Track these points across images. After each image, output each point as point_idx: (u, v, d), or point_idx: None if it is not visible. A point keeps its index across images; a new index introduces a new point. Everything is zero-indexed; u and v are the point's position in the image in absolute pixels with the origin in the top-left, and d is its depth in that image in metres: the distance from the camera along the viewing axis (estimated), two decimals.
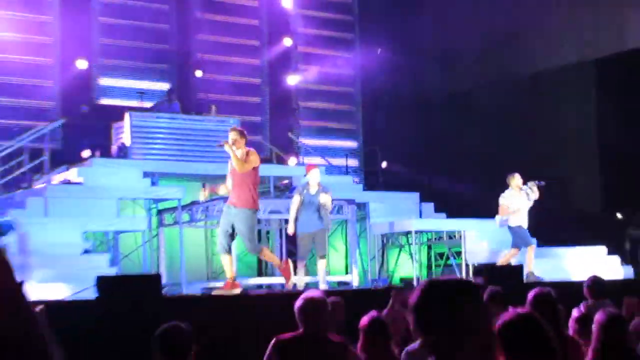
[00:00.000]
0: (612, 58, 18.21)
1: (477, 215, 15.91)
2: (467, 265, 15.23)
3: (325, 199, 12.05)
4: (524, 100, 19.43)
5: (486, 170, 18.27)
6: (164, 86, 18.83)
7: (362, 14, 23.27)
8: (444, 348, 2.36)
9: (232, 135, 10.82)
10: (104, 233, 14.06)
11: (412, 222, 15.58)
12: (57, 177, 14.82)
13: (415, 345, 5.97)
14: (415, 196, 17.23)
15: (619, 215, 18.56)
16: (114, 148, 15.79)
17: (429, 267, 17.10)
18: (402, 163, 20.74)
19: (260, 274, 15.98)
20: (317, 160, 19.18)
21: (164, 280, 10.20)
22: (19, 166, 15.88)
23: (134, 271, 13.21)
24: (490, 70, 20.05)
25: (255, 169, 10.80)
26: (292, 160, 18.87)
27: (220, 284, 11.49)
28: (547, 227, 14.43)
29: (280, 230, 15.54)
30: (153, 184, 14.94)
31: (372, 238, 16.22)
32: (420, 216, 16.74)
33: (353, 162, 21.26)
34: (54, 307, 6.09)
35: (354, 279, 13.95)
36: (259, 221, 15.77)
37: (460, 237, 15.61)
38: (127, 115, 15.69)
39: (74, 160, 15.54)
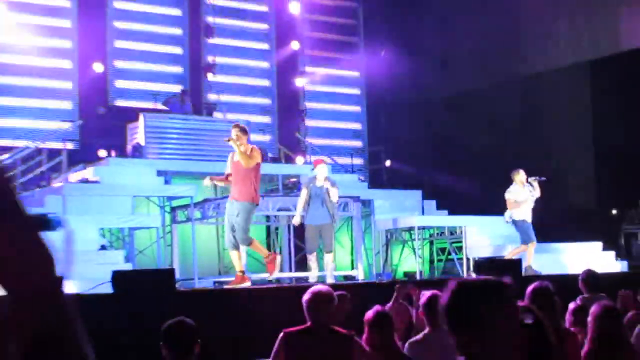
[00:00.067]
0: (607, 60, 18.19)
1: (477, 212, 15.92)
2: (467, 260, 15.22)
3: (332, 192, 12.04)
4: (522, 100, 19.43)
5: (486, 169, 18.28)
6: (177, 88, 18.83)
7: (366, 18, 23.25)
8: (475, 348, 2.32)
9: (235, 132, 10.86)
10: (119, 230, 14.08)
11: (415, 218, 15.60)
12: (75, 176, 14.83)
13: (418, 337, 5.99)
14: (418, 194, 17.24)
15: (613, 212, 18.55)
16: (129, 148, 15.80)
17: (431, 261, 17.10)
18: (405, 162, 20.72)
19: None
20: (324, 159, 19.15)
21: (177, 275, 10.18)
22: (38, 165, 15.92)
23: (148, 266, 13.21)
24: (489, 71, 20.02)
25: (258, 164, 10.84)
26: (299, 159, 18.88)
27: (230, 279, 11.49)
28: (545, 224, 14.40)
29: (289, 227, 15.52)
30: (166, 182, 14.96)
31: (377, 234, 16.22)
32: (423, 213, 16.75)
33: (358, 161, 21.26)
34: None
35: (360, 274, 13.94)
36: (267, 218, 15.82)
37: (461, 232, 15.61)
38: (141, 116, 15.71)
39: (90, 159, 15.56)
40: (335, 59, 22.46)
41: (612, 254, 15.56)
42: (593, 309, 5.36)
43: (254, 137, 17.52)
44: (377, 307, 5.72)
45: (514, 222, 13.85)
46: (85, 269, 10.55)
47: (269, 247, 16.37)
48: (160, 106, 17.44)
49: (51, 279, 1.47)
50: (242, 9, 21.53)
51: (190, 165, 15.31)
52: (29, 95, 18.00)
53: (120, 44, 19.50)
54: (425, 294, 6.02)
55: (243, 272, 11.05)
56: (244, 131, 10.93)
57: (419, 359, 5.55)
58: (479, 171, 18.58)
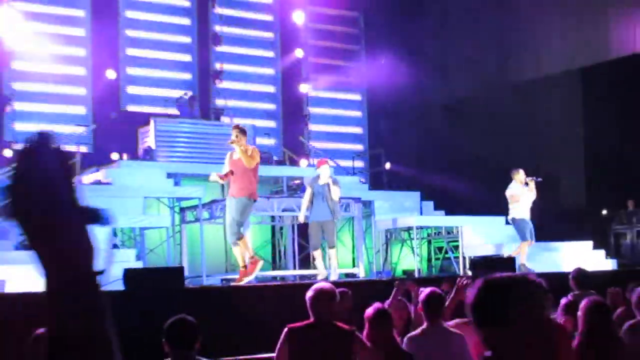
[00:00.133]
0: (597, 67, 18.18)
1: (473, 212, 15.94)
2: (464, 258, 15.24)
3: (333, 190, 12.03)
4: (516, 106, 19.41)
5: (481, 171, 18.30)
6: (187, 94, 18.84)
7: (367, 27, 23.25)
8: (501, 343, 2.28)
9: (235, 132, 10.91)
10: (131, 229, 14.08)
11: (413, 218, 15.60)
12: (88, 178, 14.84)
13: (416, 332, 5.99)
14: (416, 195, 17.24)
15: (603, 212, 18.54)
16: (140, 151, 15.81)
17: (429, 260, 17.10)
18: (404, 164, 20.73)
19: (274, 266, 16.00)
20: (328, 160, 19.15)
21: (186, 273, 10.19)
22: None
23: (158, 264, 13.21)
24: (485, 78, 20.04)
25: (257, 163, 10.91)
26: (303, 162, 18.92)
27: (237, 277, 11.47)
28: (538, 224, 14.38)
29: (293, 226, 15.53)
30: (176, 184, 14.97)
31: (377, 233, 16.21)
32: (421, 213, 16.74)
33: (359, 164, 21.24)
34: None
35: (361, 271, 13.94)
36: (273, 218, 15.82)
37: (458, 232, 15.61)
38: (152, 121, 15.72)
39: (103, 162, 15.57)
40: (338, 66, 22.47)
41: (602, 252, 15.54)
42: (583, 303, 5.36)
43: (260, 140, 17.51)
44: (376, 304, 5.72)
45: (513, 221, 13.86)
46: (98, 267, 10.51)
47: (273, 246, 16.40)
48: (170, 111, 17.46)
49: (90, 271, 1.47)
50: (249, 19, 21.57)
51: (198, 167, 15.30)
52: (45, 101, 18.05)
53: (131, 51, 19.52)
54: (424, 291, 6.02)
55: (253, 256, 11.05)
56: (243, 132, 11.02)
57: (417, 353, 5.55)
58: (475, 173, 18.57)
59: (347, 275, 14.13)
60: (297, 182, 16.56)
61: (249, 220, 13.09)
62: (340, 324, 5.33)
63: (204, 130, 16.24)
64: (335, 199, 12.10)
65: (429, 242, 17.09)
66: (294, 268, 15.00)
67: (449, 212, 16.88)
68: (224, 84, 20.58)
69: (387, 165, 20.53)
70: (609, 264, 15.08)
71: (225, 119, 18.50)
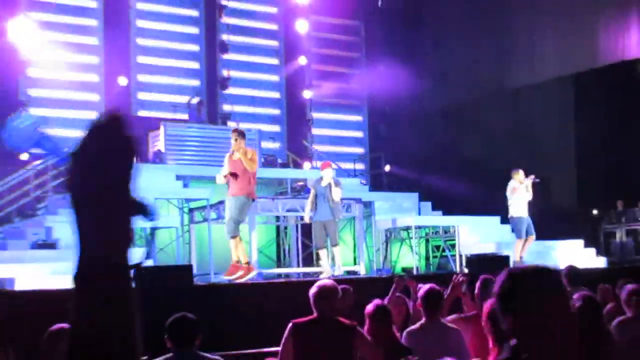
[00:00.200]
0: (587, 73, 18.17)
1: (469, 213, 15.93)
2: (460, 256, 15.22)
3: (334, 191, 12.04)
4: (511, 111, 19.43)
5: (478, 173, 18.30)
6: (194, 100, 18.86)
7: (368, 36, 23.27)
8: (525, 332, 2.27)
9: (234, 136, 10.92)
10: (142, 229, 14.08)
11: (412, 218, 15.60)
12: None
13: (415, 326, 5.99)
14: (415, 196, 17.24)
15: (594, 212, 18.53)
16: (151, 154, 15.82)
17: (427, 258, 17.11)
18: (403, 167, 20.74)
19: (279, 264, 16.00)
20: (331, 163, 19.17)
21: (194, 271, 10.18)
22: None
23: (168, 263, 13.22)
24: (481, 85, 20.03)
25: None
26: (306, 165, 18.95)
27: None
28: (532, 223, 14.38)
29: (297, 226, 15.54)
30: (185, 185, 14.97)
31: (377, 233, 16.22)
32: (419, 213, 16.74)
33: (360, 166, 21.24)
34: None
35: (362, 269, 13.94)
36: (277, 218, 15.82)
37: (454, 231, 15.60)
38: (162, 126, 15.73)
39: None
40: (340, 73, 22.49)
41: (592, 251, 15.53)
42: (574, 299, 5.35)
43: (265, 144, 17.52)
44: (377, 301, 5.73)
45: (511, 219, 13.88)
46: None
47: (278, 245, 16.39)
48: (179, 116, 17.46)
49: (125, 262, 1.47)
50: (254, 28, 21.59)
51: (206, 170, 15.28)
52: (59, 107, 18.06)
53: (142, 59, 19.55)
54: (423, 287, 6.02)
55: (248, 263, 11.03)
56: (242, 135, 11.02)
57: (415, 347, 5.55)
58: (472, 175, 18.57)
59: (348, 272, 14.13)
60: (300, 183, 16.56)
61: (255, 220, 13.10)
62: (342, 319, 5.33)
63: (212, 135, 16.24)
64: (336, 199, 12.09)
65: (427, 241, 17.10)
66: (298, 266, 14.99)
67: (446, 213, 16.87)
68: (231, 90, 20.60)
69: (387, 168, 20.53)
70: (600, 262, 15.06)
71: (232, 124, 18.52)
